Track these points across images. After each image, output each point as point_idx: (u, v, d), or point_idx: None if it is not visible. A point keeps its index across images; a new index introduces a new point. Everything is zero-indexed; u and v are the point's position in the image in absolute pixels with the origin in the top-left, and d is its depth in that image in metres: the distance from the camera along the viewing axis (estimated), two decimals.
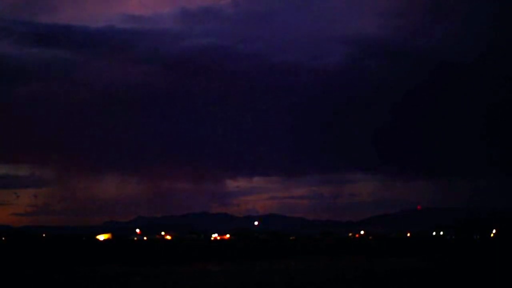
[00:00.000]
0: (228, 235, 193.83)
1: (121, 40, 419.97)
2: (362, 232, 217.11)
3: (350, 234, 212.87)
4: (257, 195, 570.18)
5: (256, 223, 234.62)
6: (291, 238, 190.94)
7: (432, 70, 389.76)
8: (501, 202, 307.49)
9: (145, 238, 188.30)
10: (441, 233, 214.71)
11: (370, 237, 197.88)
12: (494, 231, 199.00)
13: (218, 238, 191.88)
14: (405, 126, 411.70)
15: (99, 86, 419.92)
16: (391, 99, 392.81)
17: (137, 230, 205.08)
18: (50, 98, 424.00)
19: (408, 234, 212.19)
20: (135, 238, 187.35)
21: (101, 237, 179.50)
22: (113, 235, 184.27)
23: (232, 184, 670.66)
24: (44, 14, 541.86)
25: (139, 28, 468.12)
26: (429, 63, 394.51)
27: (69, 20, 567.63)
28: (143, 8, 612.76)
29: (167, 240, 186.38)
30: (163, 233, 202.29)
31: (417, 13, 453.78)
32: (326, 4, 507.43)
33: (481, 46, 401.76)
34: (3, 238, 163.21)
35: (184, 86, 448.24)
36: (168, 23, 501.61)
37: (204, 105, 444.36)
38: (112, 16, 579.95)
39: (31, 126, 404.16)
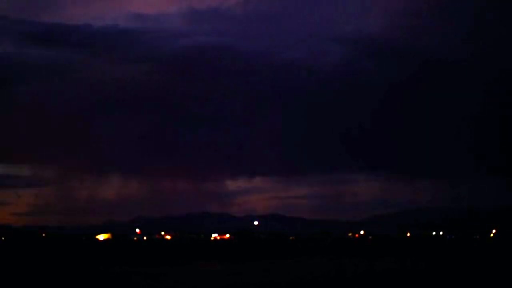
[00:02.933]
0: (228, 235, 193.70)
1: (124, 38, 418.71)
2: (362, 232, 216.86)
3: (350, 234, 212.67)
4: (257, 195, 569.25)
5: (256, 223, 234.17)
6: (291, 238, 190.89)
7: (432, 70, 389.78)
8: (501, 202, 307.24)
9: (145, 238, 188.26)
10: (441, 233, 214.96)
11: (370, 237, 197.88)
12: (494, 231, 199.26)
13: (218, 238, 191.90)
14: (406, 126, 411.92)
15: (101, 86, 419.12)
16: (391, 98, 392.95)
17: (137, 230, 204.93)
18: (51, 98, 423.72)
19: (408, 234, 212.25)
20: (135, 238, 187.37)
21: (101, 237, 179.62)
22: (113, 235, 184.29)
23: (232, 184, 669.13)
24: (46, 13, 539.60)
25: (144, 27, 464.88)
26: (430, 63, 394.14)
27: (72, 19, 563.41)
28: (150, 6, 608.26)
29: (167, 240, 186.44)
30: (163, 233, 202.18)
31: (419, 12, 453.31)
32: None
33: (481, 45, 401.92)
34: (3, 238, 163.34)
35: (187, 86, 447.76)
36: (174, 22, 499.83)
37: (206, 105, 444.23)
38: (117, 14, 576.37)
39: (31, 126, 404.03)
